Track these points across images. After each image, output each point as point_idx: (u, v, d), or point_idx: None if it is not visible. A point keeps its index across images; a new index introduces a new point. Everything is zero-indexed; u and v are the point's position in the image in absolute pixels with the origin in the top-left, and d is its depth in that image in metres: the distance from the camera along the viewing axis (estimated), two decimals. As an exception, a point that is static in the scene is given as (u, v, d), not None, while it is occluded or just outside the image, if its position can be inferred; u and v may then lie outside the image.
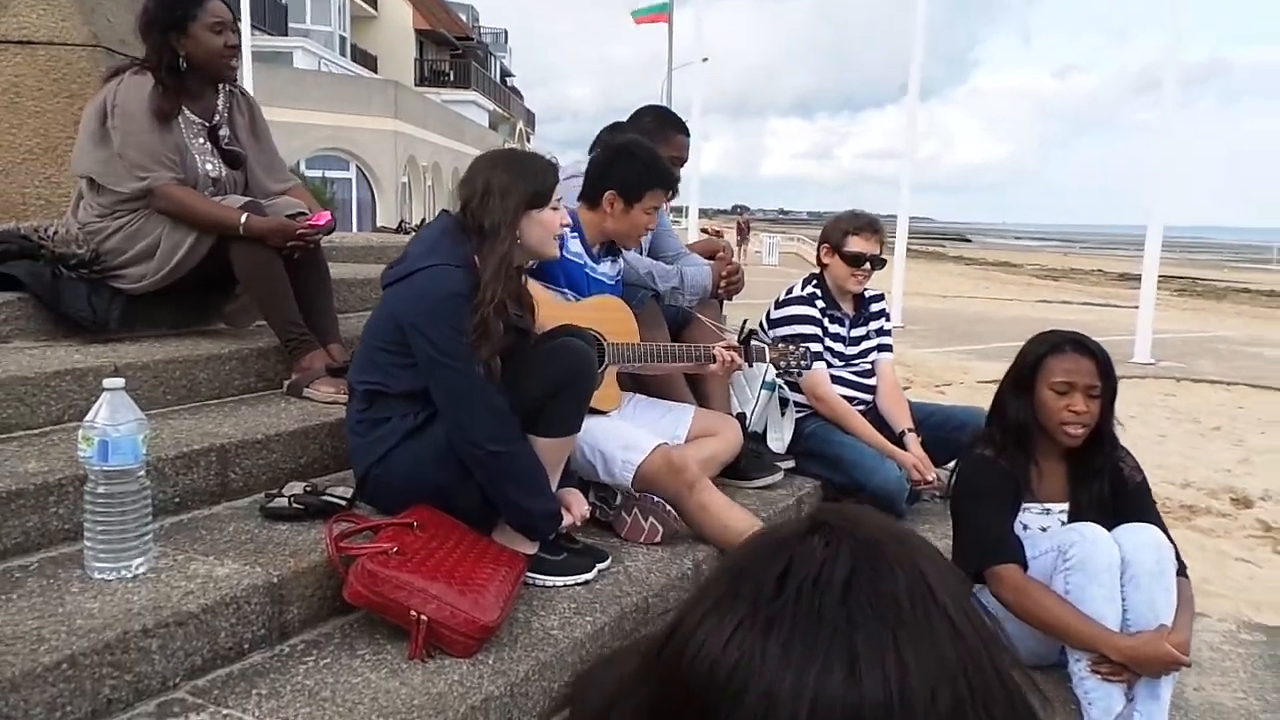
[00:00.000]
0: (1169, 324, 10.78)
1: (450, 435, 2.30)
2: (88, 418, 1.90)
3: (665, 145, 3.46)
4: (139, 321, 3.07)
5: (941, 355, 10.70)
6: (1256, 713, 2.80)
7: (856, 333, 3.74)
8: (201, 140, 3.12)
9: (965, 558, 2.64)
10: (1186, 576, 2.56)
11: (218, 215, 2.96)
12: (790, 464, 3.51)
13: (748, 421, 3.53)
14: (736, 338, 3.13)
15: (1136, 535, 2.47)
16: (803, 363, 3.21)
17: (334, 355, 3.07)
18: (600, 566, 2.50)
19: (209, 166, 3.11)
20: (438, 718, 1.80)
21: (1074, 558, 2.43)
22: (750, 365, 3.17)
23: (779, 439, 3.56)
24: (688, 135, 3.59)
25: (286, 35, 28.81)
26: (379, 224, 23.18)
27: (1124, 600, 2.42)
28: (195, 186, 3.04)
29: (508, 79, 54.28)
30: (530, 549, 2.40)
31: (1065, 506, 2.69)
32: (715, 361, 3.04)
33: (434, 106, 30.70)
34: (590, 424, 2.82)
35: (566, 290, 2.98)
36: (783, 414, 3.60)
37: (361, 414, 2.41)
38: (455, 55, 43.25)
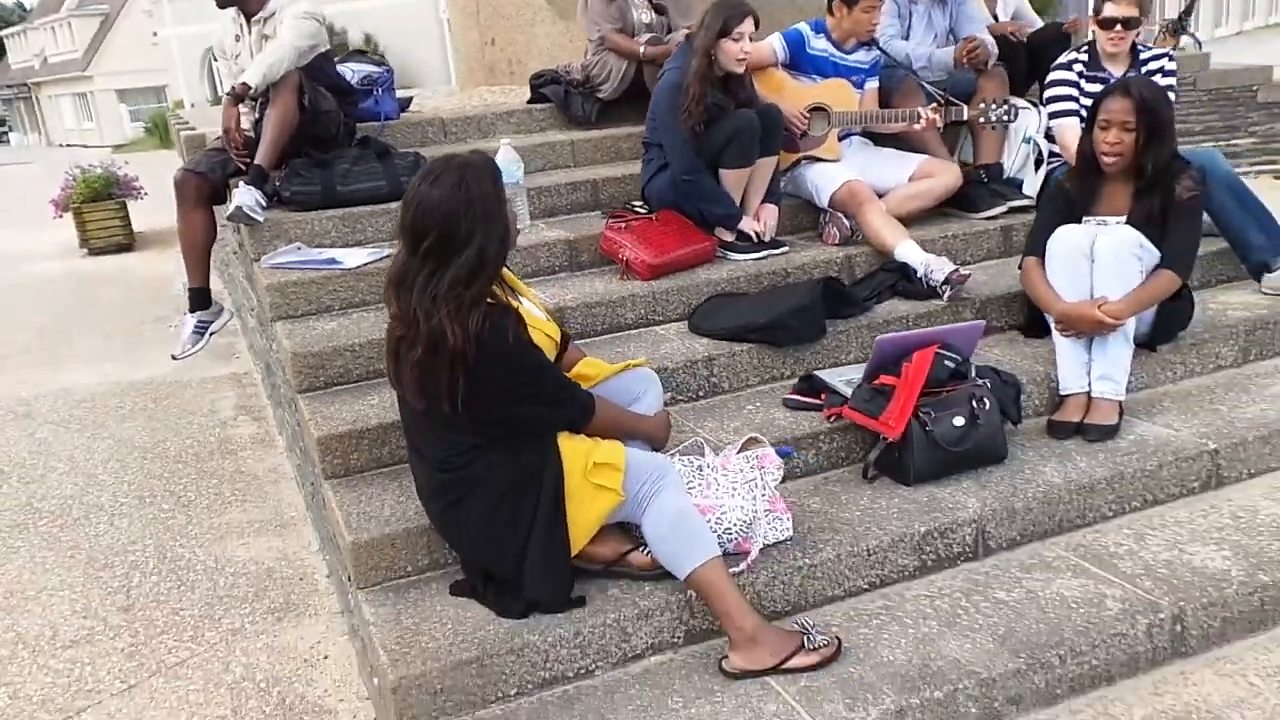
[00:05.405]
0: None
1: (670, 171, 4.01)
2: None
3: None
4: (609, 118, 5.21)
5: None
6: None
7: (1120, 88, 4.23)
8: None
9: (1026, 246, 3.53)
10: (1179, 274, 3.15)
11: (630, 48, 4.91)
12: (1030, 202, 4.32)
13: (1007, 169, 4.45)
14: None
15: (1109, 236, 3.16)
16: (1005, 116, 4.07)
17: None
18: (769, 252, 3.99)
19: (644, 17, 5.06)
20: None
21: (1050, 250, 3.25)
22: (947, 122, 4.14)
23: (1029, 184, 4.38)
24: None
25: None
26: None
27: (1092, 280, 3.18)
28: (634, 32, 5.02)
29: None
30: (728, 238, 4.01)
31: (1123, 219, 3.35)
32: (920, 120, 4.12)
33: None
34: (817, 168, 4.26)
35: (815, 76, 4.30)
36: (1036, 168, 4.38)
37: (645, 159, 4.23)
38: None
